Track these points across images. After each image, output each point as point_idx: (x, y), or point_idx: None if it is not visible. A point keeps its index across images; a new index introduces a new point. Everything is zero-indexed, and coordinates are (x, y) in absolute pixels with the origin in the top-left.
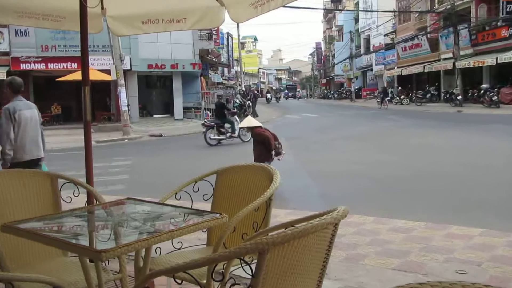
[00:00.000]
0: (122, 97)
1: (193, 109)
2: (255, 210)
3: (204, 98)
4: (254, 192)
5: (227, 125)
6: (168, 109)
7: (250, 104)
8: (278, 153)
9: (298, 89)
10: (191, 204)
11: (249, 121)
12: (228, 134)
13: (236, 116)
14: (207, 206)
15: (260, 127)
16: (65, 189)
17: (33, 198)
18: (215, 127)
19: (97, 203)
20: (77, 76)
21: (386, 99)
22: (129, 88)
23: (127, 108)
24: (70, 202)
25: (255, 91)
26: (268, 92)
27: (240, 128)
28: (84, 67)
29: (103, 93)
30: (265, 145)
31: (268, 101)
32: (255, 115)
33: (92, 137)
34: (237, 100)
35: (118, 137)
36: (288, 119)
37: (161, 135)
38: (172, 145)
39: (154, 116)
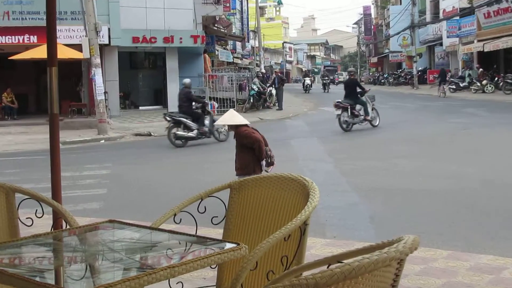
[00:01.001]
0: (97, 82)
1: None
2: (284, 239)
3: (209, 84)
4: (282, 213)
5: (196, 121)
6: (159, 98)
7: (273, 91)
8: (270, 163)
9: (338, 71)
10: (195, 229)
11: (232, 117)
12: (195, 131)
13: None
14: (217, 232)
15: (247, 126)
16: (24, 207)
17: None
18: (182, 123)
19: (68, 227)
20: (37, 53)
21: (443, 85)
22: (107, 70)
23: (103, 97)
24: (31, 225)
25: (280, 74)
26: (306, 75)
27: (217, 125)
28: (51, 40)
29: (72, 76)
30: (253, 152)
31: (307, 88)
32: (280, 107)
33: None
34: (254, 86)
35: (92, 136)
36: (324, 113)
37: (150, 135)
38: (165, 149)
39: (141, 108)
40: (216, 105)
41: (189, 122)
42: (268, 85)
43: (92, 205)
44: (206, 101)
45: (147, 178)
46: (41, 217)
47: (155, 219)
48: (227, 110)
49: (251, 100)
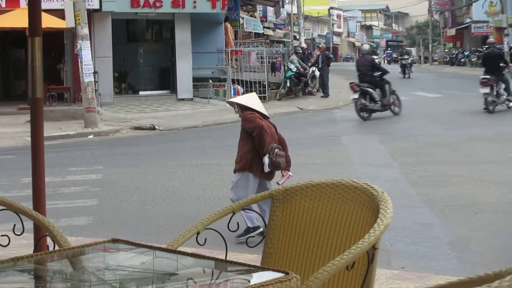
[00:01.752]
0: (84, 59)
1: (211, 81)
2: (347, 267)
3: (231, 62)
4: (342, 233)
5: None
6: (166, 81)
7: (317, 73)
8: (276, 165)
9: (404, 47)
10: (225, 252)
11: (248, 99)
12: (379, 103)
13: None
14: (254, 257)
15: (256, 111)
16: None
17: None
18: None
19: (56, 247)
20: (10, 20)
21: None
22: (98, 43)
23: (92, 79)
24: (7, 245)
25: (326, 51)
26: (405, 51)
27: (228, 102)
28: (34, 3)
29: (51, 51)
30: (254, 142)
31: (406, 70)
32: (326, 93)
33: (28, 129)
34: (292, 66)
35: (77, 130)
36: None
37: (154, 128)
38: (174, 147)
39: (142, 93)
40: (241, 90)
41: (374, 93)
42: (310, 64)
43: (79, 221)
44: (388, 70)
45: (150, 186)
46: (20, 234)
47: (162, 240)
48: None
49: (288, 84)
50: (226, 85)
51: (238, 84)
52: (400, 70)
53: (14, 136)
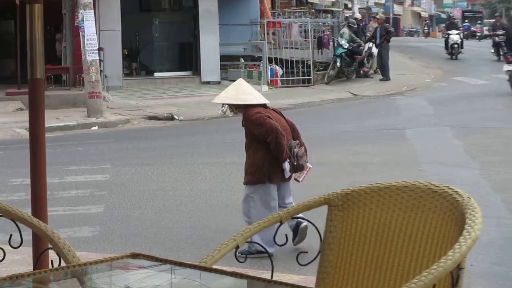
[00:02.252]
0: (86, 33)
1: (242, 60)
2: None
3: (268, 36)
4: (417, 248)
5: None
6: (187, 60)
7: (374, 50)
8: (297, 167)
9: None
10: (271, 271)
11: (238, 91)
12: None
13: None
14: (300, 279)
15: (263, 106)
16: None
17: None
18: None
19: (62, 264)
20: None
21: None
22: (103, 13)
23: (97, 57)
24: (2, 260)
25: (385, 23)
26: (453, 25)
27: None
28: None
29: (46, 24)
30: (268, 147)
31: (454, 51)
32: (385, 76)
33: (19, 119)
34: (343, 42)
35: (78, 120)
36: (460, 85)
37: (172, 118)
38: (197, 141)
39: (157, 75)
40: (279, 71)
41: None
42: (365, 39)
43: (81, 232)
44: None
45: (169, 189)
46: (18, 246)
47: (185, 256)
48: (295, 81)
49: (338, 64)
50: (261, 65)
51: (276, 64)
52: (493, 51)
53: (1, 127)
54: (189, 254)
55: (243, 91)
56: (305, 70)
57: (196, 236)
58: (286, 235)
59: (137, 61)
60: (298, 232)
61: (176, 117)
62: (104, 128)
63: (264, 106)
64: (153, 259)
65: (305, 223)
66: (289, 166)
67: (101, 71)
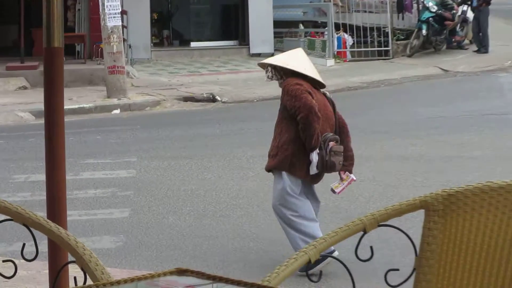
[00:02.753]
0: None
1: (302, 26)
2: None
3: None
4: None
5: None
6: (232, 27)
7: (469, 15)
8: (330, 167)
9: None
10: None
11: (289, 57)
12: None
13: None
14: None
15: (304, 78)
16: None
17: None
18: None
19: (89, 282)
20: None
21: None
22: None
23: (119, 23)
24: (12, 277)
25: None
26: None
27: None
28: None
29: None
30: (297, 127)
31: None
32: (484, 47)
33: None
34: (430, 3)
35: (95, 101)
36: None
37: (213, 99)
38: (245, 128)
39: (194, 45)
40: (349, 40)
41: None
42: (458, 1)
43: (102, 242)
44: None
45: (211, 189)
46: (33, 259)
47: (235, 273)
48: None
49: (424, 32)
50: (325, 33)
51: (345, 31)
52: None
53: (0, 110)
54: (238, 271)
55: (295, 58)
56: (382, 39)
57: (246, 248)
58: (371, 247)
59: (169, 28)
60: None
61: (218, 98)
62: (128, 112)
63: (313, 84)
64: (204, 276)
65: (336, 252)
66: (317, 158)
67: (124, 40)
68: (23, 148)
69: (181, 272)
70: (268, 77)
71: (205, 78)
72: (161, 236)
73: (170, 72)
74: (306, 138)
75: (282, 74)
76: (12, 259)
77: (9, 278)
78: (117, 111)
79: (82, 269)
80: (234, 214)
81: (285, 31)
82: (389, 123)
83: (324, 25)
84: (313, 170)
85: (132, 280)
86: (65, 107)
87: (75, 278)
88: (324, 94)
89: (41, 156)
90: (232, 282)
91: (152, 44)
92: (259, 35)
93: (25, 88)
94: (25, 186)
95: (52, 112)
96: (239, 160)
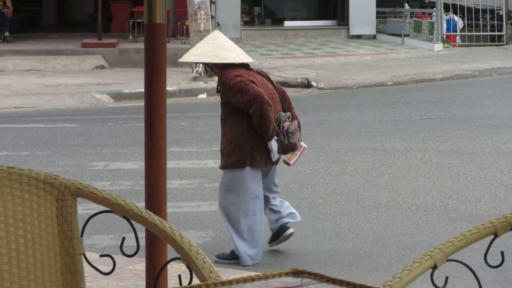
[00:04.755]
0: None
1: (407, 6)
2: None
3: None
4: None
5: None
6: (331, 6)
7: None
8: (288, 147)
9: None
10: None
11: (215, 46)
12: None
13: None
14: None
15: (244, 67)
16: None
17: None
18: None
19: (195, 282)
20: None
21: None
22: None
23: None
24: (109, 273)
25: None
26: None
27: (182, 62)
28: None
29: None
30: (250, 121)
31: None
32: None
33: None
34: None
35: (181, 84)
36: None
37: (308, 85)
38: (343, 117)
39: (288, 24)
40: (459, 23)
41: None
42: None
43: (189, 237)
44: None
45: (305, 182)
46: (133, 254)
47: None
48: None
49: None
50: (434, 13)
51: (455, 13)
52: None
53: (76, 92)
54: (335, 274)
55: (222, 47)
56: (495, 23)
57: (344, 249)
58: (502, 252)
59: (261, 5)
60: (279, 238)
61: (314, 84)
62: (215, 97)
63: (246, 67)
64: (323, 278)
65: (291, 230)
66: (277, 145)
67: (212, 17)
68: (100, 133)
69: (297, 273)
70: (197, 72)
71: (300, 62)
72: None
73: (261, 54)
74: (262, 130)
75: (212, 66)
76: (110, 253)
77: (106, 274)
78: (203, 96)
79: (188, 267)
80: (331, 211)
81: (388, 11)
82: (502, 117)
83: (432, 5)
84: (275, 156)
85: (245, 280)
86: (141, 89)
87: (179, 276)
88: (258, 72)
89: (121, 142)
90: (354, 286)
91: (242, 23)
92: (360, 14)
93: (102, 67)
94: (104, 174)
95: (153, 96)
96: (336, 152)
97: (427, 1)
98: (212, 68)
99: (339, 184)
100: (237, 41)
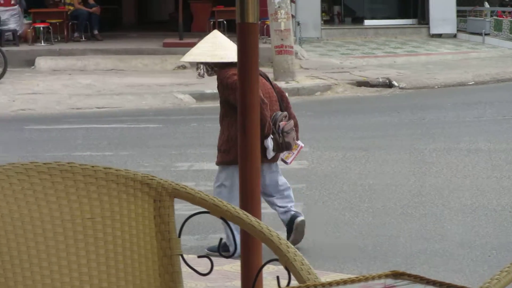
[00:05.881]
0: None
1: (486, 4)
2: None
3: None
4: None
5: None
6: (411, 4)
7: None
8: (283, 146)
9: None
10: None
11: (214, 46)
12: None
13: None
14: None
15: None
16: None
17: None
18: None
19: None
20: None
21: None
22: None
23: None
24: (207, 273)
25: None
26: None
27: (182, 62)
28: None
29: None
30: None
31: None
32: None
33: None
34: None
35: None
36: None
37: (389, 84)
38: (425, 117)
39: (368, 23)
40: None
41: None
42: None
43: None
44: None
45: (390, 184)
46: (231, 255)
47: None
48: None
49: None
50: None
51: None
52: None
53: (158, 92)
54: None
55: (221, 46)
56: None
57: (430, 250)
58: None
59: (341, 4)
60: (293, 229)
61: (395, 84)
62: (296, 97)
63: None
64: (423, 280)
65: (301, 217)
66: (272, 144)
67: (292, 16)
68: (184, 133)
69: (397, 275)
70: (199, 74)
71: (381, 61)
72: (337, 234)
73: (341, 53)
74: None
75: (213, 65)
76: (208, 254)
77: (204, 275)
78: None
79: (286, 268)
80: (416, 212)
81: (468, 10)
82: None
83: None
84: (270, 154)
85: (345, 282)
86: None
87: (278, 277)
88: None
89: (204, 143)
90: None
91: (322, 22)
92: (441, 13)
93: (184, 67)
94: (188, 175)
95: (247, 95)
96: (420, 153)
97: (507, 0)
98: (212, 68)
99: (424, 185)
100: (317, 40)
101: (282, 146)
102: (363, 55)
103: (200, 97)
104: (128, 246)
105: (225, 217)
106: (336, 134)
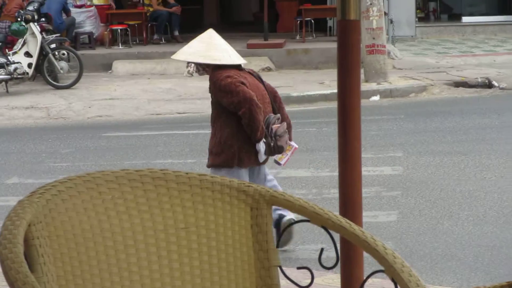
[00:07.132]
0: None
1: None
2: None
3: None
4: None
5: None
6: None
7: None
8: (274, 149)
9: None
10: None
11: (208, 47)
12: None
13: None
14: None
15: (237, 68)
16: None
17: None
18: None
19: None
20: None
21: None
22: None
23: None
24: (308, 286)
25: None
26: None
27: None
28: None
29: None
30: (239, 122)
31: None
32: None
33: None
34: None
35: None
36: None
37: (489, 85)
38: None
39: (466, 20)
40: None
41: None
42: None
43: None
44: None
45: (491, 191)
46: (332, 267)
47: None
48: None
49: None
50: None
51: None
52: None
53: None
54: None
55: (215, 47)
56: None
57: None
58: None
59: (437, 0)
60: (281, 231)
61: (496, 84)
62: (389, 99)
63: (238, 67)
64: None
65: (289, 216)
66: (264, 148)
67: (385, 13)
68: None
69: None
70: (188, 72)
71: (479, 60)
72: (435, 245)
73: (437, 52)
74: (251, 132)
75: (205, 66)
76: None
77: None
78: (376, 98)
79: (392, 280)
80: None
81: None
82: None
83: None
84: (262, 158)
85: None
86: (314, 92)
87: None
88: (250, 72)
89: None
90: None
91: (416, 19)
92: None
93: (269, 69)
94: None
95: (347, 96)
96: None
97: None
98: (204, 68)
99: None
100: (411, 39)
101: (274, 149)
102: (461, 54)
103: (286, 100)
104: (224, 257)
105: (327, 226)
106: (432, 137)
